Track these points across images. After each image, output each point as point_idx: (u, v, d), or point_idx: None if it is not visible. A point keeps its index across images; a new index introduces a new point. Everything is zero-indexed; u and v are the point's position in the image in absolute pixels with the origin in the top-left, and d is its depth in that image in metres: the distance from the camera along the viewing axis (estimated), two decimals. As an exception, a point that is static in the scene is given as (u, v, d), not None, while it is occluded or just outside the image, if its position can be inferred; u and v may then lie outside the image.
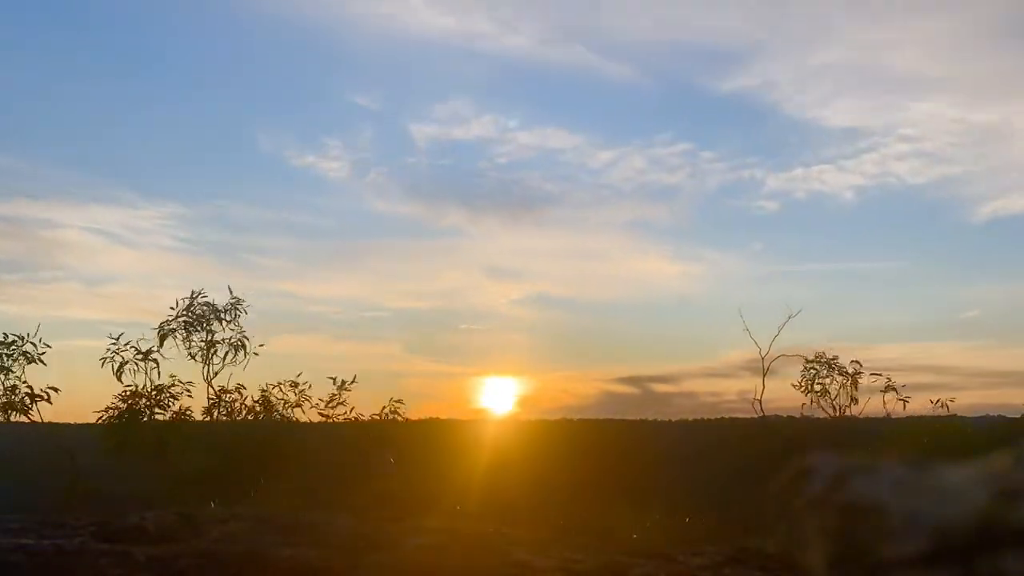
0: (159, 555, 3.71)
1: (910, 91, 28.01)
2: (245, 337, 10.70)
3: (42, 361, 9.87)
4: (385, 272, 31.18)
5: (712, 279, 28.74)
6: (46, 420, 10.07)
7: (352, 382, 10.93)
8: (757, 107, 28.17)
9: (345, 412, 10.87)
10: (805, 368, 12.29)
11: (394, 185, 30.99)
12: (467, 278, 31.13)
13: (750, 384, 12.69)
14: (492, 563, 3.85)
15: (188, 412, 10.42)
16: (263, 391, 10.76)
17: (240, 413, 10.64)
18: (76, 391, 10.25)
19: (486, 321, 28.29)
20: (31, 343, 9.79)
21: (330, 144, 30.02)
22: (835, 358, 12.33)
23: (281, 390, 10.77)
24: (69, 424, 11.34)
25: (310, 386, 10.93)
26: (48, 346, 9.91)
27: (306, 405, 10.86)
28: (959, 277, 28.11)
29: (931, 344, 23.72)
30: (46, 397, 9.78)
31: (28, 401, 9.68)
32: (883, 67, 27.26)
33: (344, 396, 10.87)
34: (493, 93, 31.16)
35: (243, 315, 10.79)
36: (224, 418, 10.59)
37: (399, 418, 10.96)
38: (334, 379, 10.91)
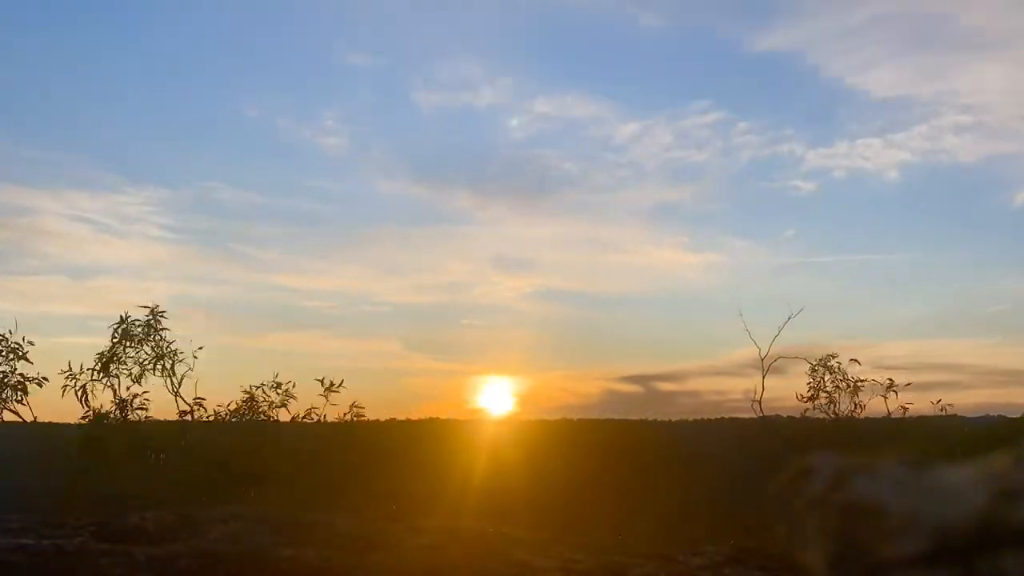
0: (159, 555, 3.71)
1: (970, 55, 23.59)
2: (171, 349, 10.56)
3: (27, 360, 9.90)
4: (385, 263, 29.77)
5: (733, 270, 26.77)
6: (45, 420, 10.10)
7: (340, 385, 10.88)
8: (799, 71, 24.51)
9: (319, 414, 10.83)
10: (812, 371, 12.29)
11: (397, 164, 28.50)
12: (473, 269, 29.45)
13: (756, 383, 12.65)
14: (492, 563, 3.85)
15: (150, 418, 10.42)
16: (247, 392, 10.74)
17: (216, 417, 10.63)
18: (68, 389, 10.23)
19: (490, 316, 27.20)
20: (16, 342, 9.83)
21: (326, 115, 27.07)
22: (834, 355, 12.31)
23: (264, 391, 10.75)
24: (69, 424, 11.33)
25: (294, 385, 10.89)
26: (31, 343, 9.95)
27: (291, 404, 10.83)
28: (991, 267, 25.30)
29: (950, 341, 22.38)
30: (38, 382, 9.83)
31: (21, 389, 9.71)
32: (940, 26, 23.17)
33: (330, 397, 10.83)
34: (507, 54, 27.12)
35: (161, 325, 10.60)
36: (206, 419, 10.58)
37: (359, 420, 10.92)
38: (322, 380, 10.88)
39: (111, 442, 10.04)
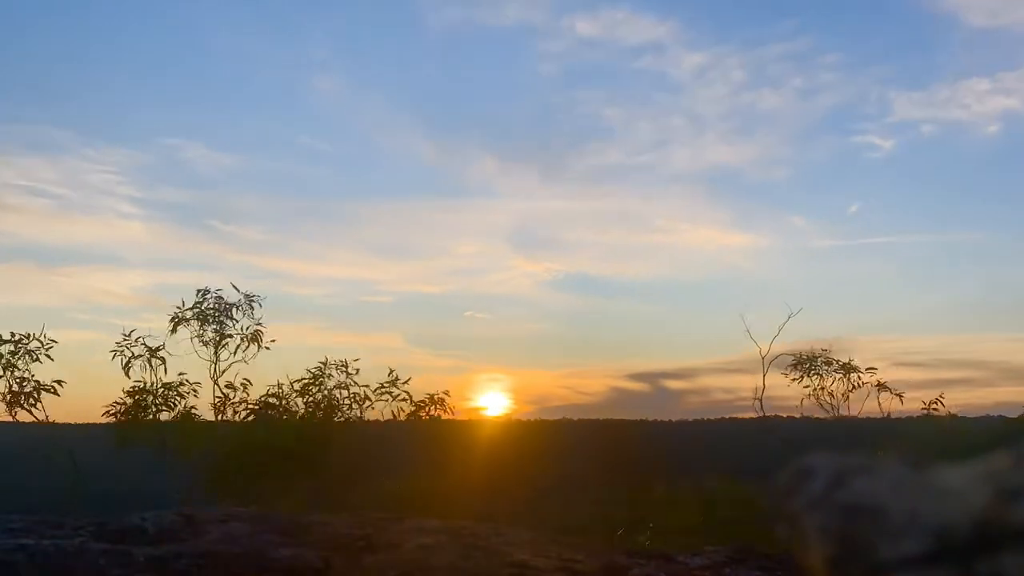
0: (159, 555, 3.71)
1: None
2: (261, 328, 10.65)
3: (49, 356, 9.86)
4: (388, 244, 25.89)
5: (778, 254, 23.73)
6: (44, 420, 10.07)
7: (407, 381, 10.79)
8: None
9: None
10: (798, 363, 12.25)
11: (401, 111, 23.93)
12: (487, 252, 25.99)
13: (768, 380, 12.55)
14: (492, 563, 3.85)
15: (194, 410, 10.40)
16: (312, 371, 10.53)
17: (245, 413, 10.59)
18: (71, 389, 10.18)
19: (502, 308, 24.67)
20: (38, 340, 9.79)
21: (316, 45, 19.96)
22: (827, 351, 12.29)
23: (327, 372, 10.54)
24: (70, 424, 11.33)
25: (358, 370, 10.72)
26: (54, 341, 9.90)
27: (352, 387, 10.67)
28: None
29: (982, 336, 20.57)
30: (53, 390, 9.78)
31: (36, 395, 9.68)
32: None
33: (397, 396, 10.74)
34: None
35: (258, 308, 10.73)
36: (233, 418, 10.56)
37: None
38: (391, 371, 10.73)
39: (140, 440, 10.00)
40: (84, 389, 10.51)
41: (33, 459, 10.88)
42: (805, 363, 12.10)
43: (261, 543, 3.97)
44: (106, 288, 24.20)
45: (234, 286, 10.76)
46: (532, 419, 18.56)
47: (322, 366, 10.59)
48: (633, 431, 17.70)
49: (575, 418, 18.92)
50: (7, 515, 4.44)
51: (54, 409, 10.17)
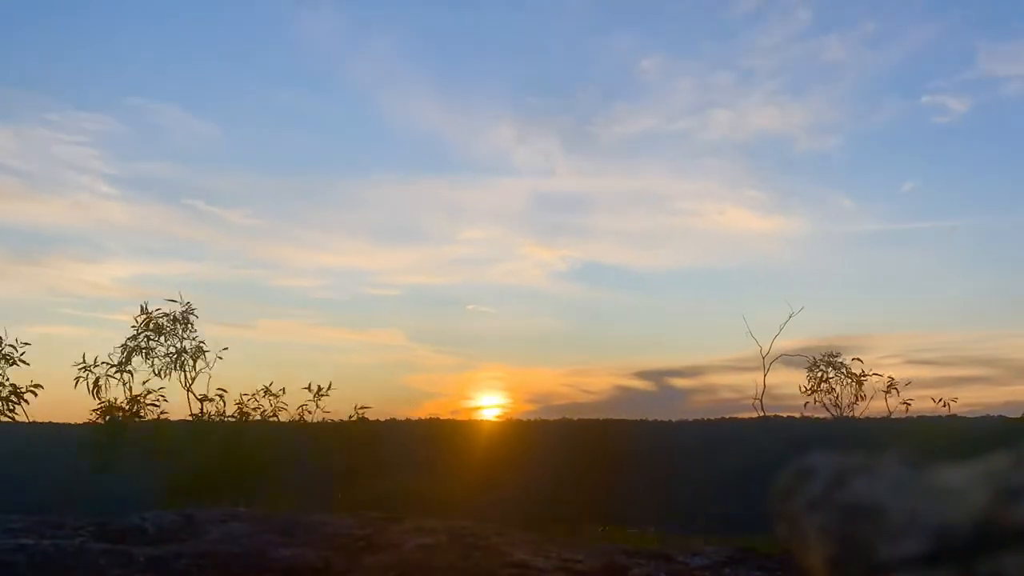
0: (159, 555, 3.71)
1: None
2: (202, 344, 10.63)
3: (23, 361, 9.86)
4: (389, 228, 22.70)
5: (818, 239, 20.71)
6: (45, 420, 10.08)
7: (329, 388, 10.82)
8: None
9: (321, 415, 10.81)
10: (811, 369, 12.27)
11: (407, 70, 20.48)
12: (498, 237, 22.87)
13: (778, 378, 12.49)
14: (492, 563, 3.85)
15: (164, 415, 10.41)
16: (238, 404, 10.68)
17: (223, 418, 10.63)
18: (69, 388, 10.14)
19: (510, 302, 22.36)
20: (10, 345, 9.77)
21: None
22: (838, 355, 12.30)
23: (256, 400, 10.70)
24: (69, 424, 11.34)
25: (284, 391, 10.78)
26: (27, 344, 9.90)
27: (283, 414, 10.77)
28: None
29: (1005, 331, 18.73)
30: (32, 394, 9.78)
31: (14, 400, 9.66)
32: None
33: (322, 403, 10.78)
34: None
35: (195, 319, 10.69)
36: (213, 419, 10.58)
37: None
38: (309, 386, 10.80)
39: (118, 442, 10.00)
40: (77, 387, 10.40)
41: (33, 459, 10.88)
42: (815, 366, 12.12)
43: (261, 543, 3.97)
44: (86, 279, 21.99)
45: (180, 296, 10.67)
46: (532, 419, 18.28)
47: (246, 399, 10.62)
48: (632, 431, 17.63)
49: (574, 418, 18.56)
50: (7, 515, 4.44)
51: (53, 409, 10.16)
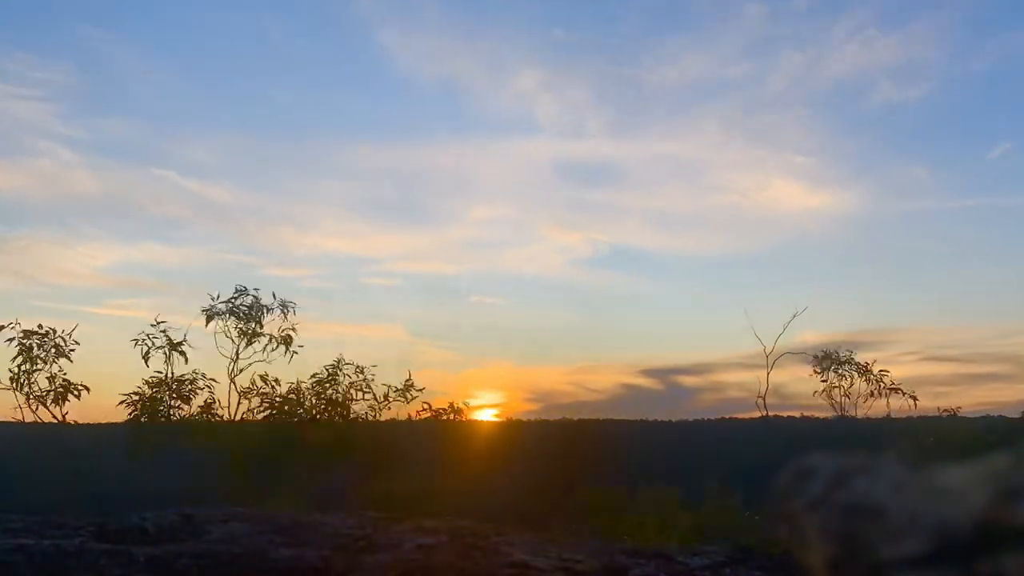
0: (159, 555, 3.71)
1: None
2: (293, 331, 10.64)
3: (69, 358, 9.82)
4: (390, 206, 19.81)
5: (872, 219, 17.13)
6: (48, 420, 10.06)
7: (421, 389, 10.82)
8: None
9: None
10: (818, 364, 12.27)
11: (410, 3, 16.08)
12: (515, 218, 19.80)
13: (786, 376, 12.42)
14: (492, 563, 3.85)
15: (212, 407, 10.37)
16: (329, 368, 10.53)
17: (264, 410, 10.57)
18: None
19: (524, 291, 20.61)
20: (61, 337, 9.74)
21: None
22: (848, 352, 12.32)
23: (344, 372, 10.58)
24: (69, 424, 11.32)
25: (375, 375, 10.74)
26: (77, 343, 9.86)
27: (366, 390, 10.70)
28: None
29: None
30: (80, 392, 9.76)
31: (64, 395, 9.65)
32: None
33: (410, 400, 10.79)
34: None
35: (292, 314, 10.71)
36: (248, 416, 10.55)
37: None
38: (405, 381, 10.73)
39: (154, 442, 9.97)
40: (92, 389, 10.32)
41: (32, 459, 10.88)
42: (824, 361, 12.11)
43: (261, 543, 3.97)
44: (62, 267, 20.06)
45: (274, 295, 10.72)
46: (532, 419, 18.04)
47: (336, 365, 10.61)
48: (632, 431, 17.60)
49: (574, 418, 18.27)
50: (7, 515, 4.44)
51: (48, 409, 10.12)
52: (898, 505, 0.54)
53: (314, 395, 10.53)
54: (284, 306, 10.68)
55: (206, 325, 10.36)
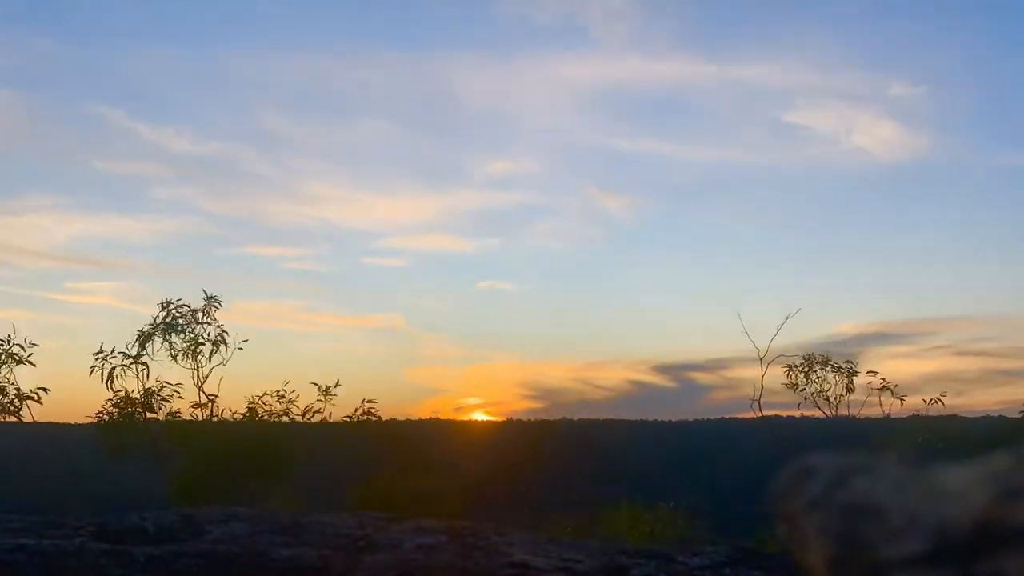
0: (159, 555, 3.71)
1: None
2: (225, 332, 10.70)
3: (31, 362, 9.83)
4: (394, 158, 18.25)
5: (969, 175, 16.97)
6: (45, 420, 10.07)
7: (336, 386, 10.82)
8: None
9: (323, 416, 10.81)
10: (793, 369, 12.28)
11: None
12: (542, 174, 18.41)
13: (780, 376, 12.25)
14: (492, 563, 3.85)
15: (178, 413, 10.43)
16: (249, 403, 10.70)
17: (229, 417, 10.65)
18: (70, 390, 10.07)
19: (542, 271, 18.75)
20: (18, 344, 9.74)
21: None
22: (827, 358, 12.33)
23: (266, 402, 10.71)
24: (69, 424, 11.33)
25: (298, 395, 10.81)
26: (35, 344, 9.86)
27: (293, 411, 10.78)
28: None
29: None
30: (36, 398, 9.76)
31: (17, 402, 9.65)
32: None
33: (329, 402, 10.79)
34: None
35: (217, 310, 10.74)
36: (215, 419, 10.60)
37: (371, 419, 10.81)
38: (319, 385, 10.80)
39: (131, 445, 9.99)
40: (92, 389, 10.30)
41: (32, 459, 10.88)
42: (804, 366, 12.12)
43: (261, 543, 3.97)
44: (13, 242, 17.86)
45: (204, 292, 10.72)
46: (534, 419, 17.73)
47: (258, 399, 10.61)
48: (633, 432, 17.53)
49: (574, 418, 18.00)
50: (7, 515, 4.44)
51: (53, 410, 10.12)
52: (898, 505, 0.54)
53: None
54: (212, 303, 10.65)
55: (141, 349, 10.29)
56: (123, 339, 10.10)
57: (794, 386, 12.07)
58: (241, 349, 10.55)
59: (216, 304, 10.66)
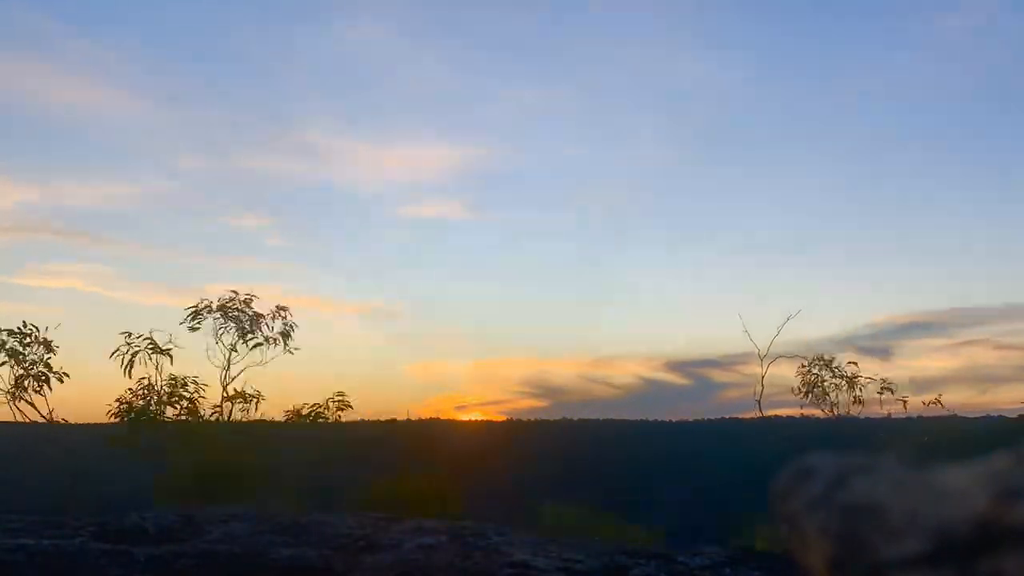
0: (159, 555, 3.71)
1: None
2: (292, 326, 10.48)
3: (52, 351, 9.79)
4: (394, 99, 16.50)
5: None
6: (45, 420, 10.04)
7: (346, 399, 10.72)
8: None
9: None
10: (802, 369, 12.27)
11: None
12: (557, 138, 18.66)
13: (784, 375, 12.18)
14: (492, 563, 3.85)
15: (199, 410, 10.32)
16: (301, 408, 10.51)
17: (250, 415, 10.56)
18: (69, 389, 9.99)
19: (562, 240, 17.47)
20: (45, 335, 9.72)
21: None
22: (832, 359, 12.31)
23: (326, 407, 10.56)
24: (69, 424, 11.31)
25: (349, 402, 10.60)
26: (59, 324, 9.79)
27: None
28: None
29: None
30: (59, 378, 9.68)
31: (43, 380, 9.59)
32: None
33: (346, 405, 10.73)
34: None
35: (289, 317, 10.58)
36: (230, 418, 10.52)
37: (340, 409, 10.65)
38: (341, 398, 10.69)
39: (143, 445, 9.92)
40: (81, 387, 10.21)
41: (33, 459, 10.87)
42: (808, 367, 12.10)
43: (261, 543, 3.97)
44: None
45: (278, 307, 10.56)
46: (534, 420, 17.62)
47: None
48: (633, 432, 17.48)
49: (574, 418, 17.95)
50: (7, 515, 4.44)
51: (53, 409, 10.06)
52: (898, 505, 0.54)
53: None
54: (281, 311, 10.57)
55: (193, 320, 10.16)
56: (107, 335, 9.80)
57: (809, 385, 12.01)
58: (292, 354, 10.35)
59: (286, 313, 10.51)
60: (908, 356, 11.86)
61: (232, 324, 10.38)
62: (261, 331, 10.44)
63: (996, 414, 14.75)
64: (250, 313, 10.46)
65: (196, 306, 10.31)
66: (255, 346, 10.38)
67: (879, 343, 11.78)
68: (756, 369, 11.82)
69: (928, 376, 11.47)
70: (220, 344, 10.34)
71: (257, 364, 10.43)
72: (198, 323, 10.28)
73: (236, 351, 10.39)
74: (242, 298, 10.51)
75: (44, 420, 9.83)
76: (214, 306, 10.37)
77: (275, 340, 10.44)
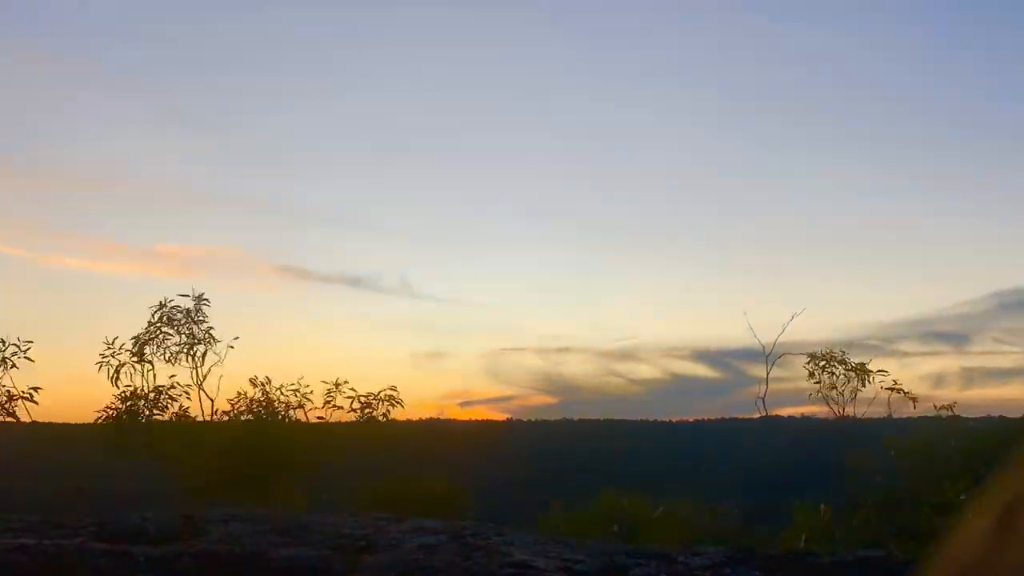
0: (159, 555, 3.71)
1: None
2: (211, 330, 10.58)
3: (29, 358, 9.79)
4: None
5: None
6: (45, 420, 10.05)
7: (344, 383, 10.76)
8: None
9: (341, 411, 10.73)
10: (812, 362, 12.20)
11: None
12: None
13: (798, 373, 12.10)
14: (492, 563, 3.85)
15: (186, 412, 10.38)
16: (265, 390, 10.64)
17: (243, 413, 10.57)
18: (69, 390, 9.99)
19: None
20: (14, 345, 9.71)
21: None
22: (838, 352, 12.25)
23: (283, 392, 10.68)
24: (69, 424, 11.33)
25: (311, 391, 10.76)
26: (30, 342, 9.82)
27: (307, 406, 10.74)
28: None
29: None
30: (29, 397, 9.72)
31: (9, 404, 9.62)
32: None
33: (339, 396, 10.74)
34: None
35: (207, 309, 10.64)
36: (225, 418, 10.54)
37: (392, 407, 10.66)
38: (333, 384, 10.75)
39: (133, 445, 9.95)
40: (76, 387, 10.22)
41: (33, 459, 10.88)
42: (818, 360, 12.05)
43: (261, 543, 3.97)
44: None
45: (192, 290, 10.64)
46: (534, 420, 17.62)
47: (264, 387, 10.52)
48: (633, 432, 17.46)
49: (574, 418, 17.89)
50: (8, 515, 4.44)
51: (54, 410, 10.08)
52: None
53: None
54: (199, 303, 10.57)
55: (139, 356, 10.22)
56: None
57: (820, 387, 11.96)
58: (232, 347, 10.44)
59: (205, 302, 10.59)
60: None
61: (165, 341, 10.39)
62: (193, 330, 10.43)
63: (996, 414, 14.75)
64: (179, 316, 10.44)
65: (137, 337, 10.32)
66: (192, 352, 10.43)
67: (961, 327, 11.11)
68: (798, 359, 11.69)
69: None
70: (167, 359, 10.38)
71: (217, 363, 10.45)
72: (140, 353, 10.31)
73: (191, 359, 10.44)
74: (167, 308, 10.48)
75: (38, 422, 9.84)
76: (150, 333, 10.36)
77: (204, 343, 10.46)
